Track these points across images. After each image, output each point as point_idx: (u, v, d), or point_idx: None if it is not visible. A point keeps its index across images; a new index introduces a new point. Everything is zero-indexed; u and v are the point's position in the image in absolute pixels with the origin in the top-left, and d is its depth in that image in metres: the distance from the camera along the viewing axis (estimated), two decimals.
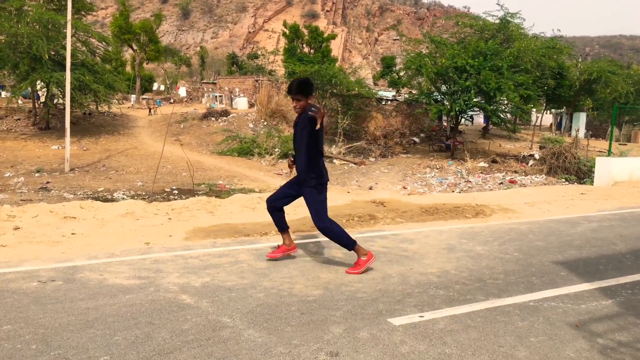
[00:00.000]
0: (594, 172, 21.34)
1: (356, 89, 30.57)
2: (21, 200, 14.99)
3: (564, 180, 21.38)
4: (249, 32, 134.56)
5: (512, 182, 21.18)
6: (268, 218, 7.51)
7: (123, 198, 15.95)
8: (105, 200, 15.36)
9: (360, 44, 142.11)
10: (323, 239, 6.37)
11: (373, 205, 9.11)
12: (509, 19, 29.25)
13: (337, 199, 9.63)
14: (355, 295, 4.35)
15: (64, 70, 22.27)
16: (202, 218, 7.27)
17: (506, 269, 5.25)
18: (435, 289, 4.55)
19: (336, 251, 5.76)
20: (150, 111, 39.27)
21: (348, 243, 4.96)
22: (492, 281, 4.85)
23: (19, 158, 23.53)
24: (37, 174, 20.24)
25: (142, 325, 3.55)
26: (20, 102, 31.89)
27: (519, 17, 29.87)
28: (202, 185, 18.02)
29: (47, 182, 18.49)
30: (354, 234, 6.73)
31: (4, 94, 36.01)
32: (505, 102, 27.77)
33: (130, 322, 3.59)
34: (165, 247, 5.68)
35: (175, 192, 16.91)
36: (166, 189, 17.41)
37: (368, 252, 5.03)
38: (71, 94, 24.92)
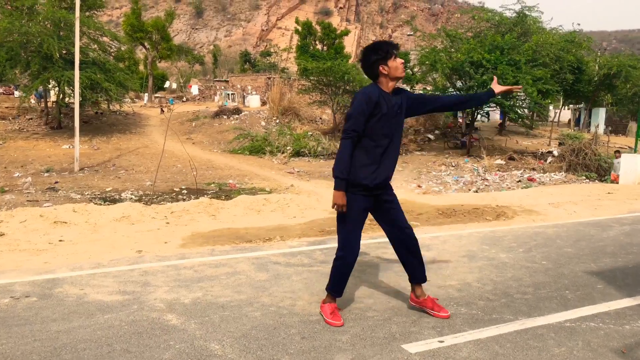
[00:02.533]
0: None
1: None
2: (27, 200, 14.69)
3: (584, 177, 20.65)
4: (262, 30, 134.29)
5: (530, 179, 20.48)
6: (272, 222, 7.03)
7: (131, 198, 15.58)
8: (113, 200, 15.01)
9: (373, 40, 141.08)
10: (334, 244, 5.86)
11: None
12: (526, 12, 28.46)
13: None
14: (365, 314, 3.83)
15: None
16: (203, 222, 6.80)
17: (535, 281, 4.69)
18: (456, 306, 4.01)
19: None
20: (162, 110, 39.01)
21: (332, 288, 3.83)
22: (520, 296, 4.29)
23: (29, 158, 23.34)
24: (46, 174, 19.99)
25: (116, 354, 3.07)
26: (32, 101, 31.77)
27: (537, 11, 29.07)
28: (212, 185, 17.60)
29: (56, 182, 18.21)
30: (365, 238, 6.20)
31: (17, 93, 35.98)
32: (523, 97, 27.02)
33: (103, 350, 3.11)
34: (157, 256, 5.21)
35: (185, 192, 16.51)
36: (175, 189, 17.02)
37: (340, 319, 3.71)
38: (82, 92, 24.71)
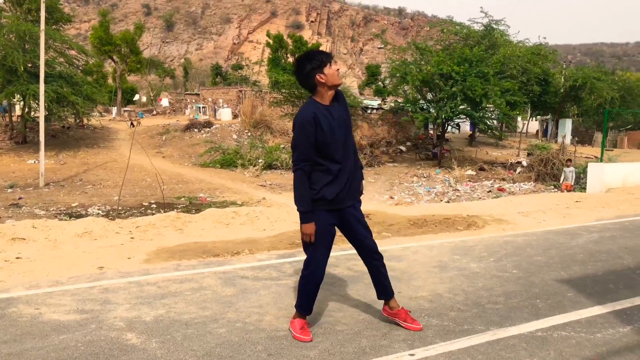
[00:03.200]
0: (583, 179, 21.03)
1: None
2: None
3: (552, 187, 21.01)
4: (234, 44, 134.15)
5: (500, 189, 20.72)
6: (241, 235, 6.87)
7: (97, 214, 15.20)
8: (79, 216, 14.60)
9: (345, 54, 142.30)
10: (301, 257, 5.74)
11: None
12: (493, 26, 29.04)
13: None
14: (334, 327, 3.71)
15: None
16: (169, 236, 6.60)
17: (506, 290, 4.65)
18: (428, 318, 3.93)
19: None
20: (132, 124, 38.39)
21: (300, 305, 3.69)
22: (491, 306, 4.24)
23: None
24: (9, 190, 19.38)
25: None
26: None
27: (504, 24, 29.71)
28: (182, 199, 17.31)
29: (20, 198, 17.65)
30: (334, 251, 6.10)
31: None
32: (492, 108, 27.46)
33: None
34: (120, 272, 5.01)
35: (154, 206, 16.18)
36: (144, 203, 16.68)
37: (310, 334, 3.57)
38: (48, 106, 24.14)
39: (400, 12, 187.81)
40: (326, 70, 3.45)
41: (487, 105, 26.43)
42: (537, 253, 6.07)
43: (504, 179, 23.59)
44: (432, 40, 31.34)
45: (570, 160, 18.37)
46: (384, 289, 3.83)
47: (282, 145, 27.92)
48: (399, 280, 4.91)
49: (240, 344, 3.40)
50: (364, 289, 4.62)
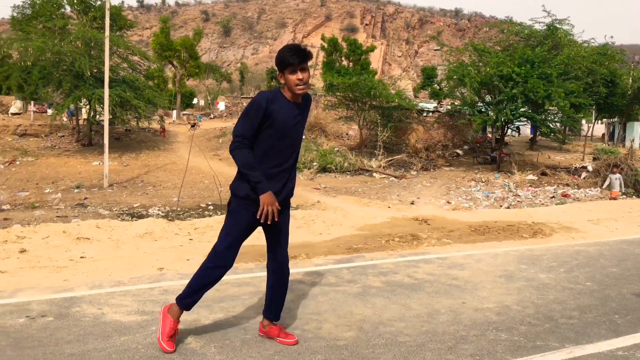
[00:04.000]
0: None
1: (396, 100, 29.69)
2: (57, 216, 14.79)
3: (621, 194, 19.97)
4: None
5: (564, 195, 19.88)
6: (297, 239, 6.80)
7: (157, 214, 15.59)
8: (140, 216, 15.02)
9: (399, 56, 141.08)
10: (361, 263, 5.61)
11: (415, 223, 8.28)
12: (557, 25, 27.95)
13: (376, 215, 8.86)
14: (396, 339, 3.56)
15: None
16: None
17: (580, 304, 4.35)
18: (496, 332, 3.71)
19: (373, 279, 4.98)
20: (192, 125, 39.37)
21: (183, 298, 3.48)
22: (565, 320, 3.96)
23: (60, 174, 23.68)
24: (76, 190, 20.20)
25: None
26: (64, 119, 32.43)
27: (568, 24, 28.56)
28: None
29: (85, 198, 18.36)
30: (394, 256, 5.95)
31: (49, 111, 36.84)
32: (555, 111, 26.42)
33: None
34: (179, 274, 5.03)
35: (211, 207, 16.46)
36: (201, 205, 16.99)
37: (173, 344, 3.31)
38: (112, 110, 25.07)
39: (457, 13, 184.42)
40: (287, 73, 3.23)
41: (550, 108, 25.44)
42: (611, 264, 5.69)
43: (567, 185, 22.61)
44: (491, 42, 30.50)
45: (617, 166, 17.13)
46: (277, 309, 3.59)
47: (337, 149, 27.87)
48: (462, 289, 4.70)
49: (300, 352, 3.30)
50: (427, 298, 4.43)
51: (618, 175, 15.52)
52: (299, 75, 3.22)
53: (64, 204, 17.30)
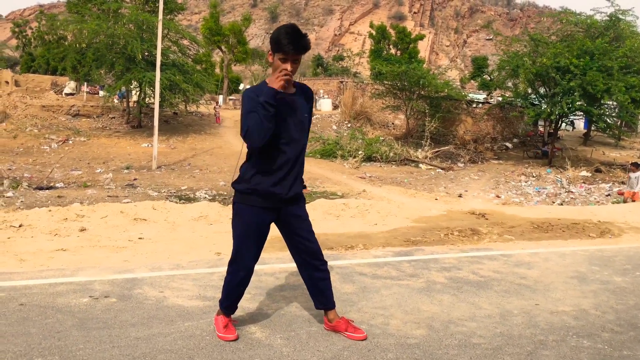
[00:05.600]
0: None
1: (446, 90, 29.04)
2: (108, 196, 15.11)
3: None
4: (335, 35, 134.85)
5: (620, 194, 19.05)
6: (352, 228, 6.64)
7: (205, 197, 15.72)
8: (188, 199, 15.18)
9: (447, 46, 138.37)
10: (422, 256, 5.41)
11: (473, 217, 8.00)
12: (619, 16, 26.63)
13: (430, 208, 8.61)
14: (470, 340, 3.36)
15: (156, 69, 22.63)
16: None
17: None
18: (577, 338, 3.46)
19: (437, 274, 4.78)
20: None
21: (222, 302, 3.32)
22: None
23: (110, 155, 24.24)
24: (125, 171, 20.61)
25: None
26: (115, 101, 33.17)
27: (631, 15, 27.15)
28: None
29: (135, 179, 18.70)
30: (455, 251, 5.72)
31: (101, 93, 37.77)
32: (612, 105, 25.30)
33: None
34: None
35: None
36: None
37: (234, 332, 3.24)
38: (161, 93, 25.42)
39: (509, 2, 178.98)
40: (277, 58, 2.96)
41: (607, 102, 24.37)
42: None
43: (623, 183, 21.69)
44: (547, 32, 29.36)
45: (637, 164, 15.67)
46: (326, 297, 3.37)
47: (382, 138, 27.52)
48: (533, 290, 4.44)
49: (370, 349, 3.14)
50: (496, 297, 4.20)
51: (638, 173, 14.30)
52: (289, 66, 2.94)
53: (114, 184, 17.67)
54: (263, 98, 2.87)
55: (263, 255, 5.13)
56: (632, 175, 14.21)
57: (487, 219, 7.73)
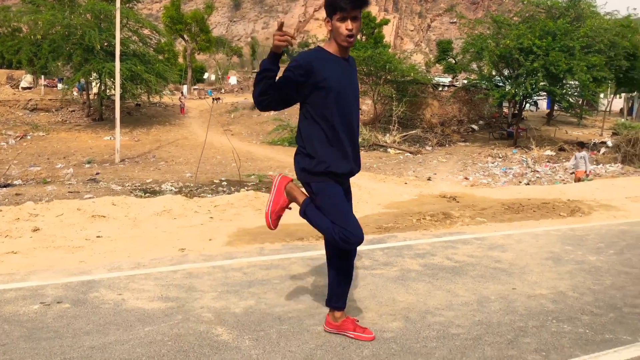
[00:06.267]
0: None
1: (412, 74, 29.03)
2: (69, 192, 14.58)
3: (586, 174, 19.51)
4: (300, 22, 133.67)
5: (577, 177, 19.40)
6: None
7: (171, 190, 15.34)
8: (153, 192, 14.77)
9: (412, 30, 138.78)
10: (395, 243, 5.25)
11: (444, 200, 7.90)
12: None
13: (402, 192, 8.48)
14: (448, 330, 3.21)
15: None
16: (249, 217, 6.28)
17: None
18: (557, 323, 3.35)
19: (411, 261, 4.63)
20: (214, 100, 39.13)
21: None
22: (630, 310, 3.59)
23: (71, 149, 23.46)
24: (87, 165, 19.98)
25: None
26: (75, 93, 32.10)
27: None
28: (252, 177, 17.20)
29: (97, 174, 18.14)
30: (428, 236, 5.59)
31: (60, 85, 36.52)
32: (573, 85, 25.69)
33: None
34: (203, 255, 4.70)
35: (225, 183, 16.15)
36: (215, 181, 16.69)
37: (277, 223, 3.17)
38: (123, 84, 24.67)
39: None
40: (335, 20, 2.72)
41: (569, 82, 24.73)
42: None
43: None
44: (510, 13, 29.59)
45: (583, 143, 15.31)
46: (342, 294, 3.12)
47: None
48: (509, 274, 4.33)
49: (344, 346, 2.96)
50: (472, 283, 4.07)
51: (583, 153, 14.15)
52: (349, 24, 2.70)
53: (75, 179, 17.08)
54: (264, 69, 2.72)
55: (229, 249, 4.91)
56: (577, 154, 14.06)
57: (458, 202, 7.64)
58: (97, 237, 5.19)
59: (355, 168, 2.98)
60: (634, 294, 3.89)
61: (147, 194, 14.08)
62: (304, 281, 4.07)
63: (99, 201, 6.41)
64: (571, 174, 15.86)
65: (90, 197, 13.49)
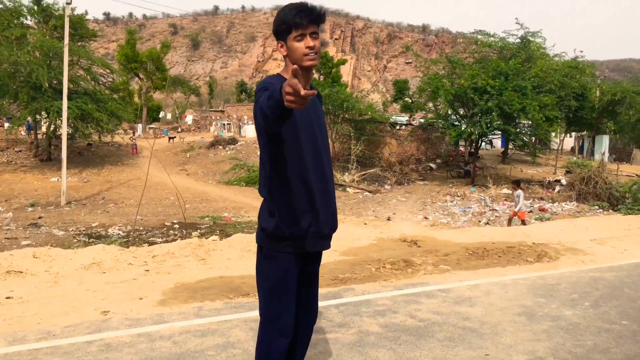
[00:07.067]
0: (628, 199, 19.62)
1: (369, 113, 29.09)
2: (5, 238, 13.49)
3: (597, 207, 19.70)
4: (258, 61, 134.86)
5: (542, 210, 19.53)
6: None
7: (118, 234, 14.42)
8: (98, 237, 13.83)
9: (369, 71, 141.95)
10: (352, 298, 4.70)
11: (404, 244, 7.43)
12: (529, 38, 27.84)
13: (360, 236, 7.97)
14: None
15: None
16: (190, 268, 5.62)
17: (627, 353, 3.53)
18: None
19: (370, 321, 4.08)
20: (170, 139, 38.40)
21: None
22: None
23: (15, 191, 22.16)
24: (30, 209, 18.78)
25: None
26: (23, 133, 30.77)
27: (540, 37, 28.48)
28: (206, 218, 16.43)
29: (40, 217, 17.00)
30: (389, 288, 5.07)
31: (7, 125, 35.05)
32: (527, 124, 26.19)
33: None
34: (128, 319, 4.02)
35: (176, 226, 15.33)
36: (166, 223, 15.84)
37: None
38: (73, 123, 23.68)
39: (425, 29, 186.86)
40: (291, 40, 2.26)
41: (522, 121, 25.18)
42: (639, 295, 4.91)
43: (542, 199, 22.34)
44: (463, 54, 30.25)
45: (518, 182, 14.75)
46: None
47: None
48: (480, 335, 3.83)
49: None
50: (440, 349, 3.54)
51: (519, 192, 13.71)
52: (309, 42, 2.25)
53: (15, 223, 15.92)
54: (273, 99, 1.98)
55: (161, 310, 4.25)
56: (515, 193, 13.65)
57: (419, 246, 7.18)
58: (7, 298, 4.44)
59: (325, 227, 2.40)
60: (620, 358, 3.44)
61: (92, 239, 13.15)
62: (243, 350, 3.45)
63: (18, 254, 5.64)
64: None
65: (28, 244, 12.48)
